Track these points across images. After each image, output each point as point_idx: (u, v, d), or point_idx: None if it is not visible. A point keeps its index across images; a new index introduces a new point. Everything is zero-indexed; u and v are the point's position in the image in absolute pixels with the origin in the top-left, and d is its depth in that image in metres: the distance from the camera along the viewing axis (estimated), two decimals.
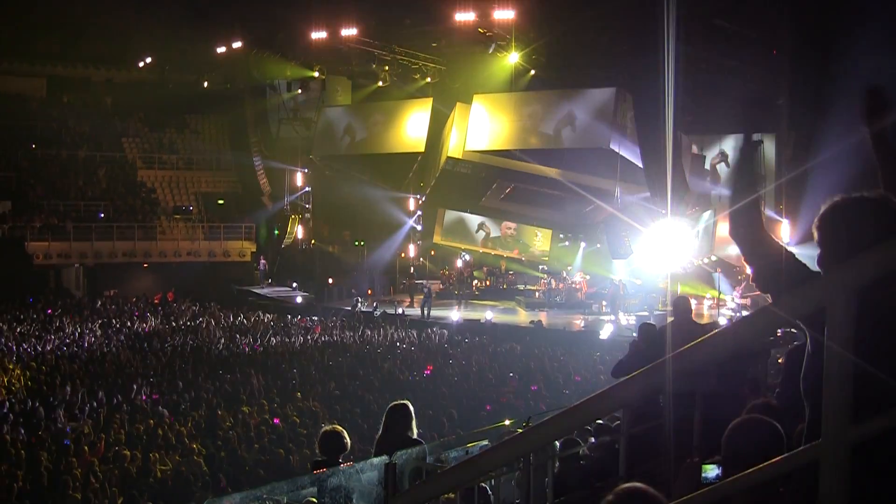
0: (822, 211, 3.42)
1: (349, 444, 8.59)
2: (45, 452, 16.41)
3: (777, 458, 2.93)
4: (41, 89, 55.31)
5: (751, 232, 3.87)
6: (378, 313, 39.30)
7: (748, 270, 34.80)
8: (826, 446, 2.71)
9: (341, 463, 8.19)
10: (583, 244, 43.79)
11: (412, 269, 48.62)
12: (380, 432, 8.90)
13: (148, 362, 27.30)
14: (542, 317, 36.74)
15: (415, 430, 8.89)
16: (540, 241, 46.45)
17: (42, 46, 54.53)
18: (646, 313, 35.10)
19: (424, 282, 41.40)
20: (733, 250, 36.44)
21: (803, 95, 27.14)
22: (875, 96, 4.22)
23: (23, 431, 18.19)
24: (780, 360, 12.00)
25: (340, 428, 8.76)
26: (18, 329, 33.42)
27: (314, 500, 7.71)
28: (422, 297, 40.47)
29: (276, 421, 18.88)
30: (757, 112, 4.33)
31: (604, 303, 39.81)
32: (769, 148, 36.93)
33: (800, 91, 27.24)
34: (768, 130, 36.66)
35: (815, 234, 3.48)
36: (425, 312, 38.64)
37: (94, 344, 31.11)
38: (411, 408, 8.92)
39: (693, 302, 13.01)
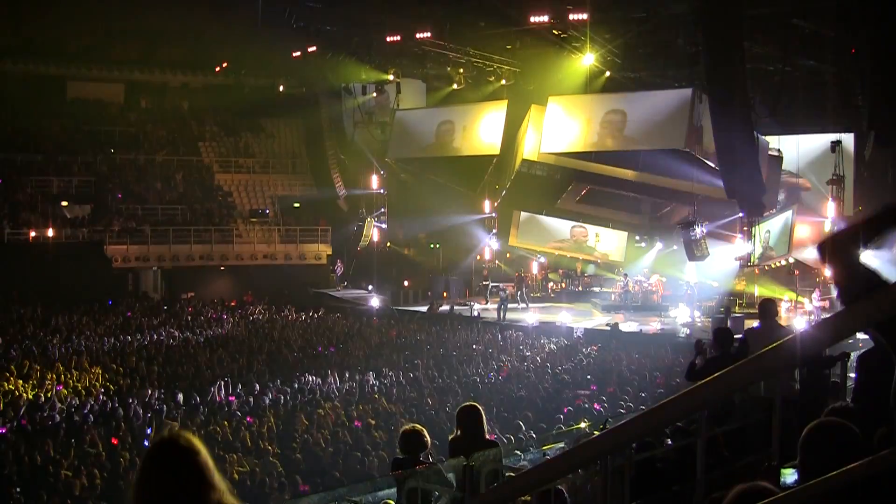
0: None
1: (429, 442, 8.63)
2: (126, 453, 16.63)
3: (860, 462, 2.91)
4: (119, 95, 55.98)
5: (849, 258, 3.78)
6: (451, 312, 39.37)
7: (826, 272, 34.49)
8: None
9: (422, 461, 8.23)
10: (659, 246, 43.52)
11: (486, 271, 48.52)
12: (455, 433, 8.92)
13: (225, 364, 27.56)
14: (619, 319, 36.55)
15: (486, 432, 8.91)
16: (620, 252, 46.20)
17: (120, 53, 55.21)
18: (722, 315, 34.80)
19: (501, 285, 41.26)
20: (811, 252, 36.27)
21: (882, 94, 26.75)
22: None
23: (103, 432, 18.44)
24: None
25: (420, 427, 8.80)
26: (99, 330, 33.85)
27: (391, 502, 7.77)
28: (497, 300, 40.41)
29: (358, 423, 18.94)
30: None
31: (680, 305, 39.53)
32: (848, 147, 36.54)
33: (879, 90, 26.85)
34: (847, 130, 36.27)
35: None
36: (501, 315, 38.60)
37: (172, 346, 31.46)
38: (481, 409, 8.95)
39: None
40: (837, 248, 3.56)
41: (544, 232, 46.69)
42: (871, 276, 3.65)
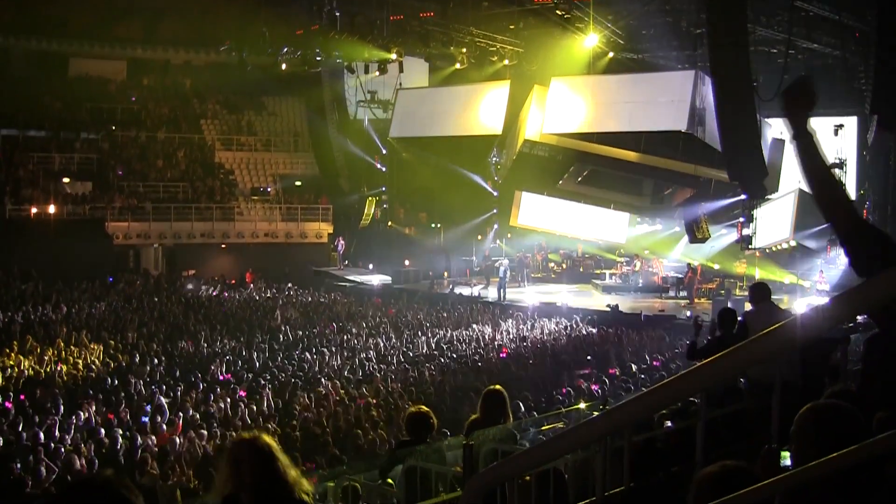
0: None
1: (436, 423, 8.63)
2: (123, 430, 16.66)
3: (861, 444, 2.90)
4: (121, 72, 55.90)
5: (846, 211, 3.83)
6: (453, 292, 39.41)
7: (830, 253, 34.50)
8: None
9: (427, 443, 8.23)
10: (659, 227, 43.57)
11: (487, 251, 48.51)
12: (476, 415, 8.91)
13: (224, 341, 27.61)
14: (619, 300, 36.59)
15: (511, 417, 8.91)
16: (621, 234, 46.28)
17: (122, 30, 55.06)
18: (723, 297, 34.84)
19: (501, 263, 41.23)
20: (812, 235, 36.32)
21: (886, 78, 26.71)
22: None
23: (103, 409, 18.48)
24: (859, 348, 11.87)
25: (426, 409, 8.79)
26: (99, 307, 33.89)
27: (391, 480, 7.77)
28: (497, 279, 40.44)
29: (361, 402, 18.96)
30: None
31: (681, 287, 39.61)
32: (850, 130, 36.50)
33: (883, 73, 26.82)
34: (850, 113, 36.21)
35: None
36: (502, 294, 38.68)
37: (172, 323, 31.50)
38: (505, 394, 8.93)
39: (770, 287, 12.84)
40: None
41: (545, 212, 46.66)
42: (882, 237, 3.65)
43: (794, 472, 3.18)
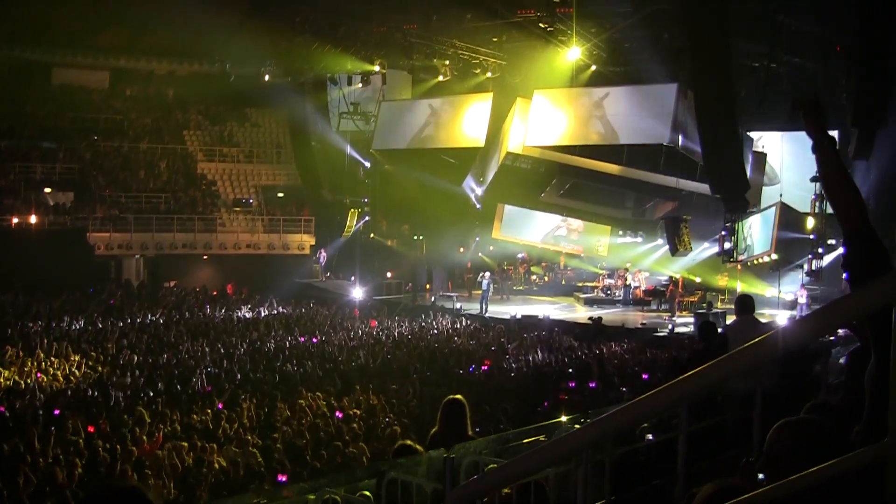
0: None
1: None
2: (104, 441, 16.57)
3: (837, 459, 2.90)
4: (104, 82, 55.71)
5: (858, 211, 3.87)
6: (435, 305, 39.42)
7: (814, 266, 34.60)
8: (894, 445, 2.67)
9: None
10: (640, 240, 43.70)
11: (469, 264, 48.56)
12: (435, 427, 8.90)
13: (206, 353, 27.54)
14: (601, 313, 36.63)
15: (470, 426, 8.88)
16: (603, 247, 46.32)
17: (106, 40, 54.85)
18: (704, 310, 34.92)
19: (483, 276, 41.23)
20: (793, 248, 36.46)
21: (867, 92, 26.88)
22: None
23: (83, 420, 18.38)
24: (841, 361, 11.91)
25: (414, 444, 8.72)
26: (80, 318, 33.76)
27: (368, 493, 7.75)
28: (480, 292, 40.48)
29: (339, 414, 18.92)
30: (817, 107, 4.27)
31: (663, 300, 39.73)
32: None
33: (863, 88, 26.99)
34: (831, 127, 36.32)
35: None
36: (484, 307, 38.72)
37: (153, 334, 31.40)
38: (466, 403, 8.91)
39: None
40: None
41: (528, 225, 46.76)
42: (877, 246, 3.68)
43: (766, 489, 3.17)
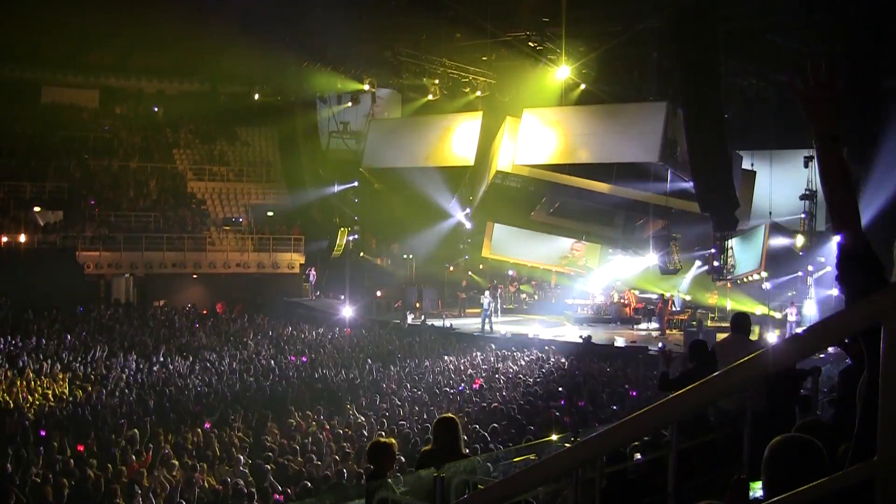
0: None
1: (397, 455, 8.60)
2: (93, 460, 16.52)
3: (828, 478, 2.90)
4: (94, 100, 55.67)
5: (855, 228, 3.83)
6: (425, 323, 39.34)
7: (809, 282, 34.64)
8: (883, 463, 2.67)
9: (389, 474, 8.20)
10: (630, 258, 43.72)
11: (464, 282, 48.50)
12: (428, 446, 8.89)
13: (196, 372, 27.49)
14: (591, 332, 36.57)
15: (462, 445, 8.87)
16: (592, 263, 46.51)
17: (95, 58, 54.89)
18: (694, 328, 34.90)
19: (484, 296, 40.84)
20: (783, 266, 36.52)
21: (857, 110, 26.96)
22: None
23: (72, 439, 18.33)
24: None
25: (391, 440, 8.76)
26: (69, 338, 33.66)
27: None
28: (475, 310, 40.39)
29: (328, 433, 18.88)
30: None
31: (652, 318, 39.73)
32: None
33: (853, 105, 27.07)
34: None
35: None
36: (488, 327, 38.32)
37: (143, 353, 31.32)
38: (458, 421, 8.90)
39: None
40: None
41: (517, 244, 46.78)
42: (873, 261, 3.67)
43: None
